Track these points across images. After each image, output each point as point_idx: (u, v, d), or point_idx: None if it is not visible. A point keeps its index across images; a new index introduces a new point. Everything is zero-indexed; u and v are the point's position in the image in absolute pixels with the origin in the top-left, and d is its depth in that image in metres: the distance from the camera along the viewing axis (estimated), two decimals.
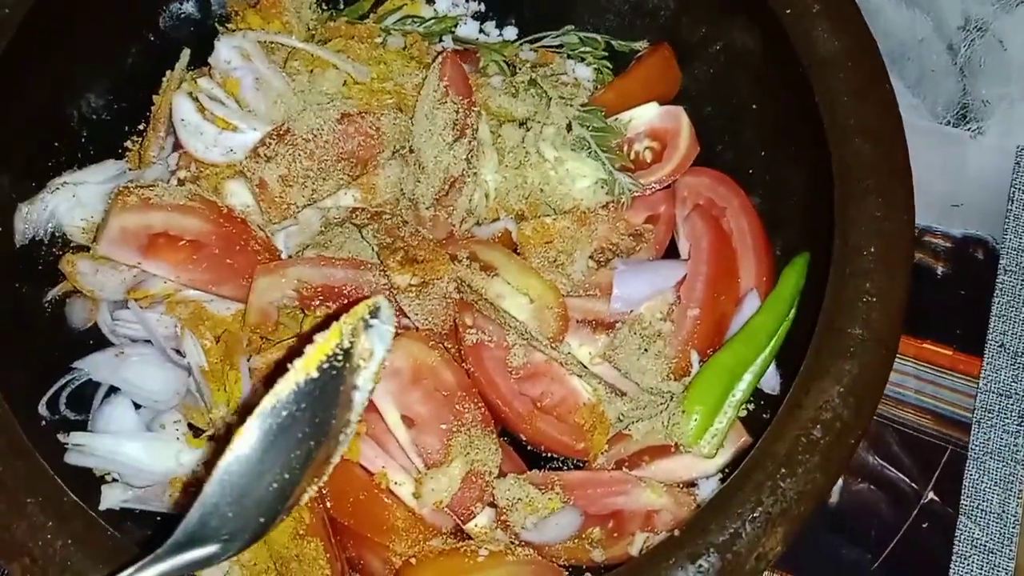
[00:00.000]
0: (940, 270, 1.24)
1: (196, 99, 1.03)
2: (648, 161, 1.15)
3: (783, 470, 0.81)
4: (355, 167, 1.05)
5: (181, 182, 1.03)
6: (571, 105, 1.12)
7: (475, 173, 1.08)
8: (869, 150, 0.92)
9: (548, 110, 1.12)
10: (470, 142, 1.07)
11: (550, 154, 1.10)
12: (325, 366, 0.71)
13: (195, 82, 1.04)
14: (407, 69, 1.11)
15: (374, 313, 0.74)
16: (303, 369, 0.71)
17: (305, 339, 0.74)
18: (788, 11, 0.99)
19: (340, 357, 0.72)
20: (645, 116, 1.14)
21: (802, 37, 0.98)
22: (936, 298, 1.22)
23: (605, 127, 1.11)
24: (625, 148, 1.14)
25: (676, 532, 0.82)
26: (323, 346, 0.71)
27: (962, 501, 1.12)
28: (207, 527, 0.68)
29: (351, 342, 0.72)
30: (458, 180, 1.06)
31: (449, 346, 1.04)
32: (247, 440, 0.69)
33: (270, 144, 1.00)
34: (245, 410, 0.71)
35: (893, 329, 0.87)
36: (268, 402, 0.69)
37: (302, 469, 0.71)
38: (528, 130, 1.12)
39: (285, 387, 0.70)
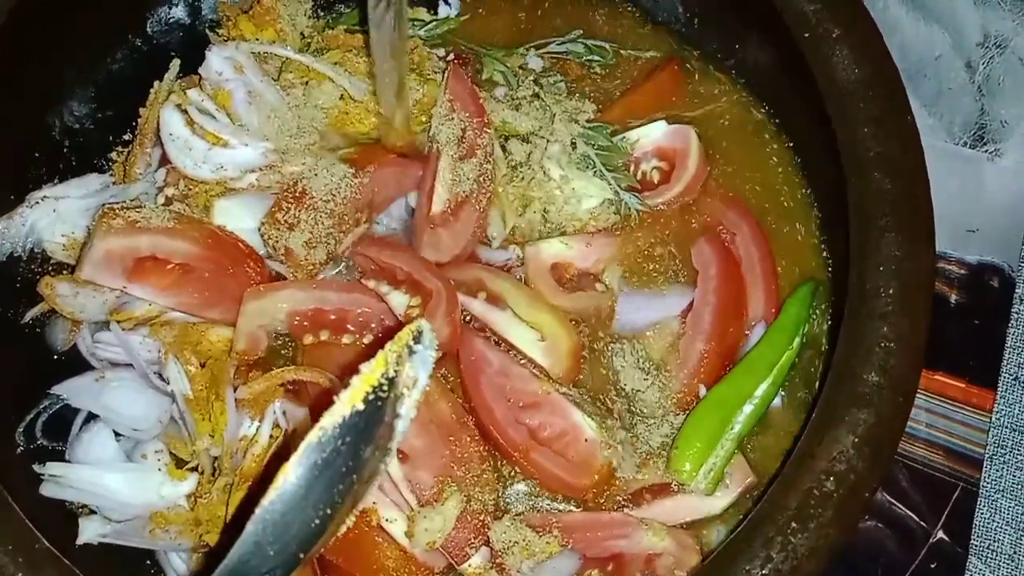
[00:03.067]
0: (954, 299, 1.20)
1: (185, 112, 0.98)
2: (656, 181, 1.10)
3: (794, 524, 0.77)
4: (372, 211, 1.03)
5: (168, 199, 0.99)
6: (576, 121, 1.08)
7: (489, 195, 1.04)
8: (888, 184, 0.88)
9: (552, 126, 1.08)
10: (482, 164, 1.03)
11: (556, 172, 1.06)
12: (371, 397, 0.68)
13: (184, 94, 0.99)
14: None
15: (417, 339, 0.70)
16: (349, 402, 0.67)
17: (349, 377, 0.70)
18: (806, 34, 0.94)
19: (385, 387, 0.68)
20: (653, 134, 1.10)
21: (821, 63, 0.93)
22: (949, 328, 1.18)
23: (611, 145, 1.07)
24: (632, 168, 1.10)
25: None
26: (369, 377, 0.68)
27: (972, 540, 1.09)
28: (247, 565, 0.66)
29: (396, 371, 0.69)
30: (466, 200, 1.02)
31: (447, 373, 1.00)
32: (291, 476, 0.66)
33: (288, 209, 0.96)
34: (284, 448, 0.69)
35: (911, 376, 0.83)
36: (314, 436, 0.66)
37: (343, 501, 0.68)
38: (534, 146, 1.08)
39: (331, 421, 0.67)
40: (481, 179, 1.03)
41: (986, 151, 1.27)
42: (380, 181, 1.01)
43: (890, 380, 0.81)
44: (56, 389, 0.96)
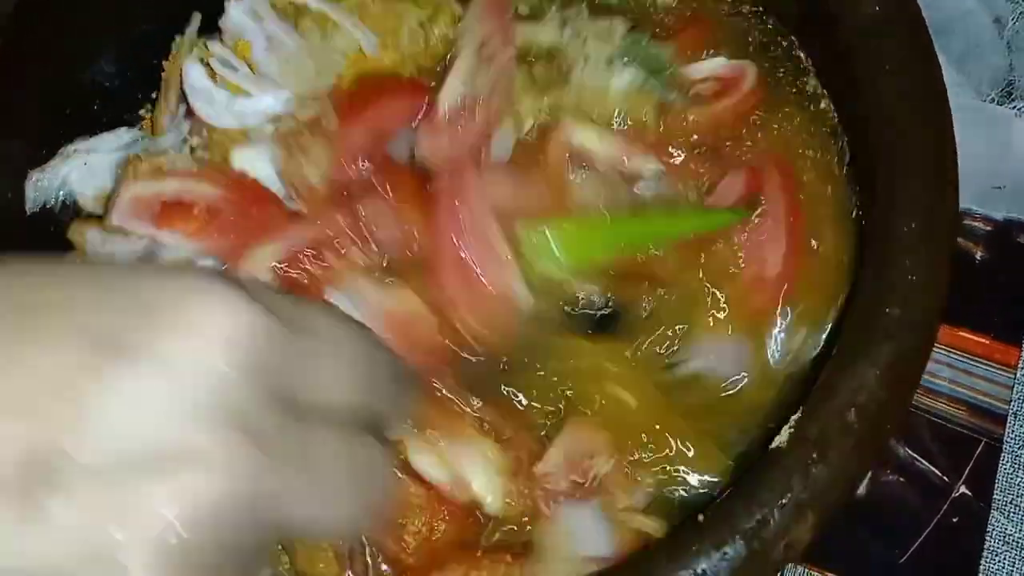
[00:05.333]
0: (979, 255, 1.19)
1: (207, 64, 1.00)
2: (708, 95, 1.05)
3: (815, 455, 0.76)
4: (383, 141, 1.02)
5: (193, 149, 1.01)
6: (612, 39, 1.04)
7: (498, 112, 0.99)
8: (911, 127, 0.87)
9: (585, 47, 1.04)
10: (500, 76, 0.99)
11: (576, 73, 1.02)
12: None
13: (206, 47, 1.00)
14: (422, 14, 1.06)
15: None
16: None
17: None
18: None
19: None
20: (710, 66, 1.06)
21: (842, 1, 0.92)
22: (974, 284, 1.17)
23: (653, 54, 1.03)
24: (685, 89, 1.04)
25: (700, 517, 0.77)
26: None
27: (995, 495, 1.08)
28: None
29: None
30: (474, 104, 0.98)
31: None
32: None
33: (308, 146, 0.96)
34: None
35: (934, 310, 0.81)
36: None
37: None
38: (562, 59, 1.04)
39: None
40: (495, 88, 0.99)
41: (1014, 107, 1.25)
42: (391, 111, 1.00)
43: (912, 314, 0.80)
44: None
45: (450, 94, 0.98)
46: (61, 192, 1.02)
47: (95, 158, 1.03)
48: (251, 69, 1.00)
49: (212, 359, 0.41)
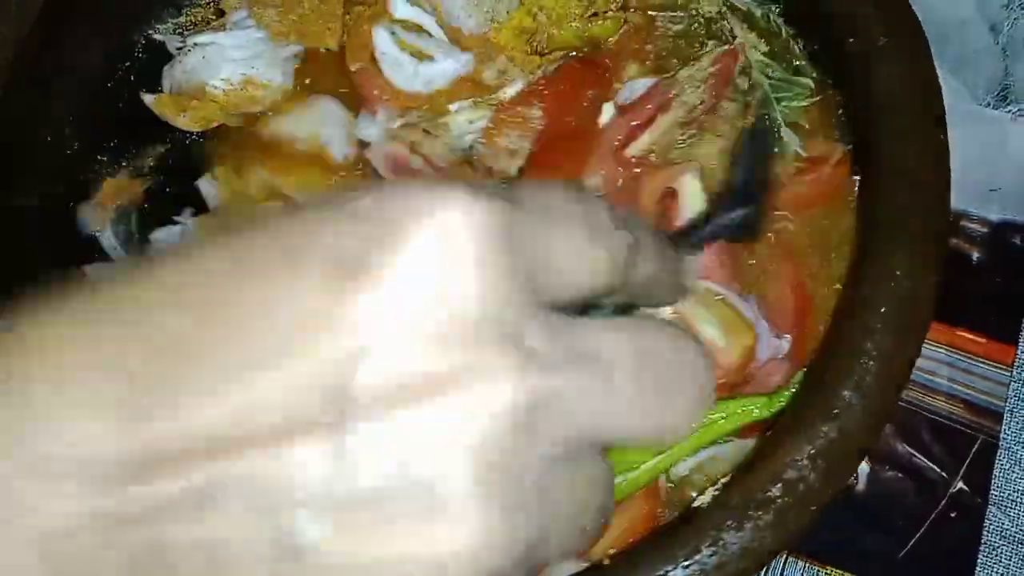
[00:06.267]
0: (975, 256, 1.21)
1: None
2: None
3: (730, 522, 0.74)
4: None
5: None
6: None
7: None
8: (908, 201, 0.84)
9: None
10: None
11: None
12: None
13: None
14: None
15: None
16: None
17: None
18: (851, 40, 0.91)
19: None
20: None
21: (862, 71, 0.90)
22: (971, 285, 1.19)
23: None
24: None
25: (606, 560, 0.76)
26: None
27: (992, 491, 1.10)
28: None
29: None
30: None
31: None
32: None
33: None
34: None
35: (887, 399, 0.78)
36: None
37: None
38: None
39: None
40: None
41: (1009, 111, 1.28)
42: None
43: (863, 399, 0.77)
44: (87, 268, 0.97)
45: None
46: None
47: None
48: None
49: (460, 264, 0.36)
